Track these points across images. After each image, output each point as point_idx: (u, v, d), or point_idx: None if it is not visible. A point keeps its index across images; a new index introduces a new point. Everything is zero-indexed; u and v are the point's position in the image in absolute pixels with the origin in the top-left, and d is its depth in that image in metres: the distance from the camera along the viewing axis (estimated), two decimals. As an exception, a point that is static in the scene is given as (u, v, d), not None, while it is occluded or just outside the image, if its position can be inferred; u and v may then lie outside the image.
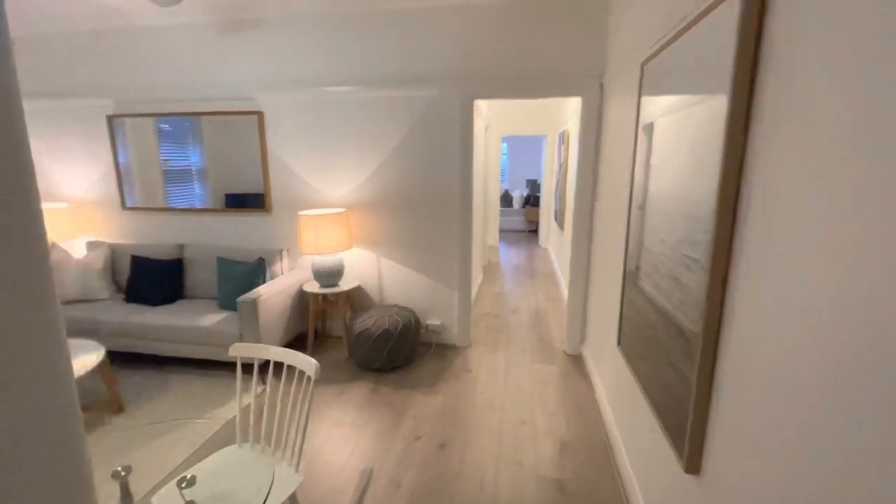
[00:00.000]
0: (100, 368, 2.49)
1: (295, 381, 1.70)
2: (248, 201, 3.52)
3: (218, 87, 3.38)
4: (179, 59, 3.38)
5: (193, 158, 3.53)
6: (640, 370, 1.67)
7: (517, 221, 9.74)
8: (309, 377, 1.65)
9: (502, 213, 9.56)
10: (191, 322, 2.91)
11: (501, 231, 9.57)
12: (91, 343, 2.60)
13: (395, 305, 3.30)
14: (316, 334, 3.64)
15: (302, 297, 3.36)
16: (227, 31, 3.26)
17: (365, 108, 3.21)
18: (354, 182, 3.36)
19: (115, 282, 3.51)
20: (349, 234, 3.25)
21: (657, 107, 1.59)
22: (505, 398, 2.76)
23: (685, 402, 1.21)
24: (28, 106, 3.72)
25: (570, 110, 4.96)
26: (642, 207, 1.72)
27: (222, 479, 1.38)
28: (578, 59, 2.90)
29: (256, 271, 3.14)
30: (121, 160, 3.64)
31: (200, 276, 3.43)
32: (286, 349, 1.62)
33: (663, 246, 1.44)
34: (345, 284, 3.30)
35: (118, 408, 2.59)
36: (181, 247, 3.52)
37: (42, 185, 3.94)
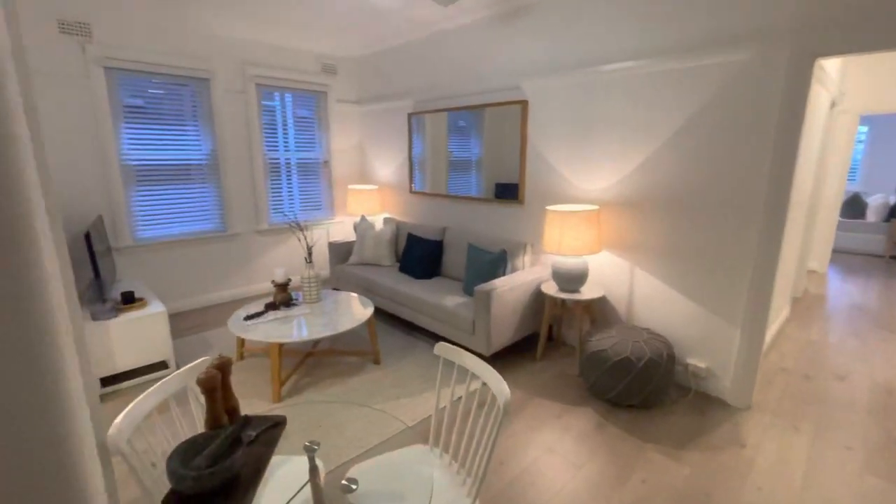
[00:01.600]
0: (368, 322, 2.98)
1: (489, 402, 1.49)
2: (509, 192, 3.53)
3: (489, 80, 3.47)
4: (460, 57, 3.64)
5: (475, 150, 3.79)
6: None
7: (871, 240, 6.64)
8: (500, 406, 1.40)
9: (843, 227, 6.72)
10: (437, 300, 3.14)
11: (837, 251, 6.78)
12: (366, 300, 3.16)
13: (646, 330, 2.67)
14: (550, 337, 3.39)
15: (538, 297, 3.16)
16: (500, 22, 3.28)
17: (640, 86, 2.64)
18: (614, 176, 2.86)
19: (396, 253, 4.20)
20: (598, 236, 2.80)
21: None
22: (800, 514, 1.80)
23: None
24: (360, 109, 4.84)
25: None
26: None
27: (395, 477, 1.32)
28: None
29: (498, 262, 3.12)
30: (416, 151, 4.27)
31: (454, 258, 3.69)
32: (486, 365, 1.42)
33: None
34: (587, 292, 2.89)
35: (376, 359, 3.05)
36: (444, 230, 3.88)
37: (364, 170, 5.11)
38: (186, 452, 0.98)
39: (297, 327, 2.68)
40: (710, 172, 2.45)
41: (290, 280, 3.13)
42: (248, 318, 2.82)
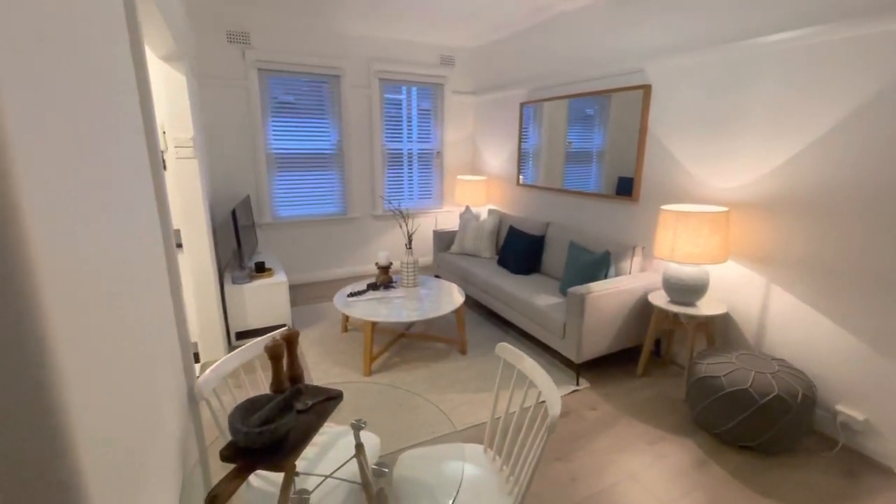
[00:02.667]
0: (457, 311, 3.01)
1: (542, 413, 1.37)
2: (625, 187, 3.20)
3: (609, 64, 3.16)
4: (578, 41, 3.38)
5: (596, 140, 3.52)
6: None
7: None
8: (548, 419, 1.28)
9: None
10: (529, 298, 3.03)
11: None
12: (460, 289, 3.19)
13: (778, 361, 2.20)
14: (658, 352, 3.02)
15: (645, 307, 2.82)
16: (622, 1, 2.94)
17: (798, 64, 2.14)
18: (753, 172, 2.38)
19: (496, 245, 4.15)
20: (724, 242, 2.38)
21: None
22: None
23: None
24: (474, 100, 4.85)
25: None
26: None
27: (436, 470, 1.31)
28: None
29: (600, 264, 2.87)
30: (529, 142, 4.13)
31: (555, 256, 3.51)
32: (545, 374, 1.32)
33: None
34: (705, 307, 2.49)
35: (462, 348, 3.08)
36: (547, 224, 3.70)
37: (474, 161, 5.13)
38: (246, 410, 1.11)
39: (390, 309, 2.83)
40: (884, 171, 1.88)
41: (391, 263, 3.32)
42: (351, 295, 3.08)
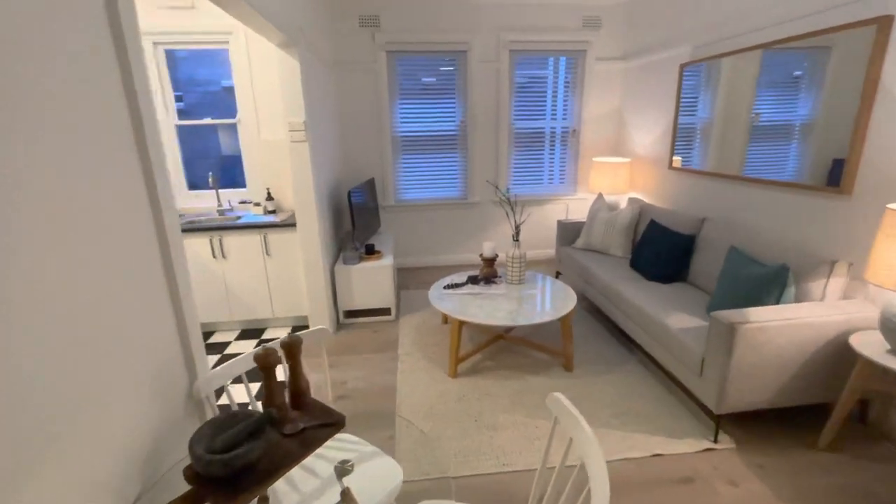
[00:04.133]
0: (564, 320, 2.55)
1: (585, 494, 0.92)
2: (835, 175, 2.22)
3: (821, -8, 2.18)
4: (778, -34, 2.42)
5: (801, 109, 2.55)
6: None
7: None
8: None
9: None
10: (660, 315, 2.37)
11: None
12: (571, 292, 2.71)
13: None
14: (863, 419, 2.07)
15: (842, 353, 1.92)
16: None
17: None
18: None
19: (632, 242, 3.43)
20: None
21: None
22: None
23: None
24: (622, 67, 4.05)
25: None
26: None
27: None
28: None
29: (771, 282, 2.05)
30: (696, 114, 3.23)
31: (708, 263, 2.70)
32: (599, 453, 0.88)
33: None
34: (960, 370, 1.54)
35: (567, 364, 2.61)
36: (702, 221, 2.87)
37: (618, 140, 4.35)
38: (218, 427, 0.98)
39: (483, 308, 2.54)
40: None
41: (496, 255, 3.00)
42: (448, 287, 2.88)
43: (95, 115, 0.95)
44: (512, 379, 2.52)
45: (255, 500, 0.99)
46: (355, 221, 3.32)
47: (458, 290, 2.82)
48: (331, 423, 1.09)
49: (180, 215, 3.37)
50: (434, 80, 4.08)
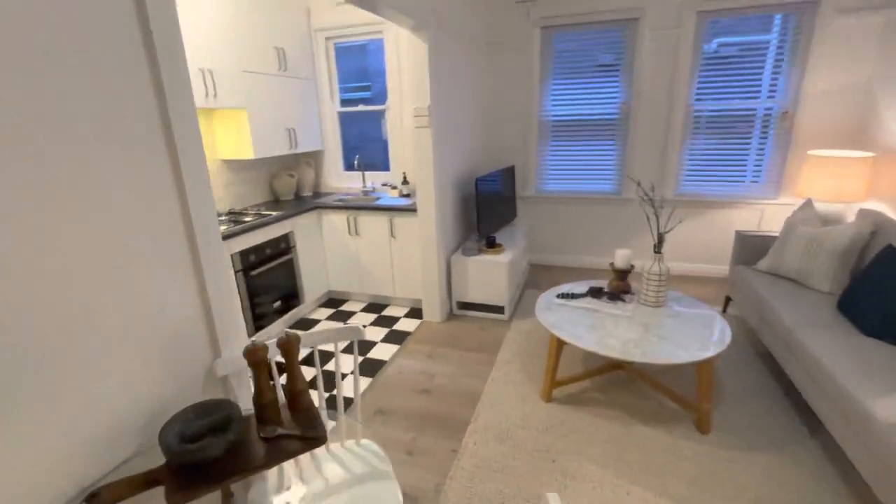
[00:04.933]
0: (703, 365, 1.94)
1: None
2: None
3: None
4: None
5: None
6: None
7: None
8: None
9: None
10: (864, 392, 1.57)
11: None
12: (726, 329, 2.04)
13: None
14: None
15: None
16: None
17: None
18: None
19: (848, 273, 2.38)
20: None
21: None
22: None
23: None
24: (875, 21, 2.78)
25: None
26: None
27: None
28: None
29: None
30: None
31: None
32: None
33: None
34: None
35: (702, 423, 1.99)
36: None
37: (858, 125, 3.07)
38: (195, 415, 0.98)
39: (594, 330, 2.11)
40: None
41: (632, 267, 2.48)
42: (562, 295, 2.51)
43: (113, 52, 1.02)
44: (617, 422, 2.05)
45: (219, 493, 0.98)
46: (480, 211, 3.18)
47: (573, 302, 2.42)
48: (310, 438, 1.00)
49: (331, 193, 3.79)
50: (596, 56, 3.55)
